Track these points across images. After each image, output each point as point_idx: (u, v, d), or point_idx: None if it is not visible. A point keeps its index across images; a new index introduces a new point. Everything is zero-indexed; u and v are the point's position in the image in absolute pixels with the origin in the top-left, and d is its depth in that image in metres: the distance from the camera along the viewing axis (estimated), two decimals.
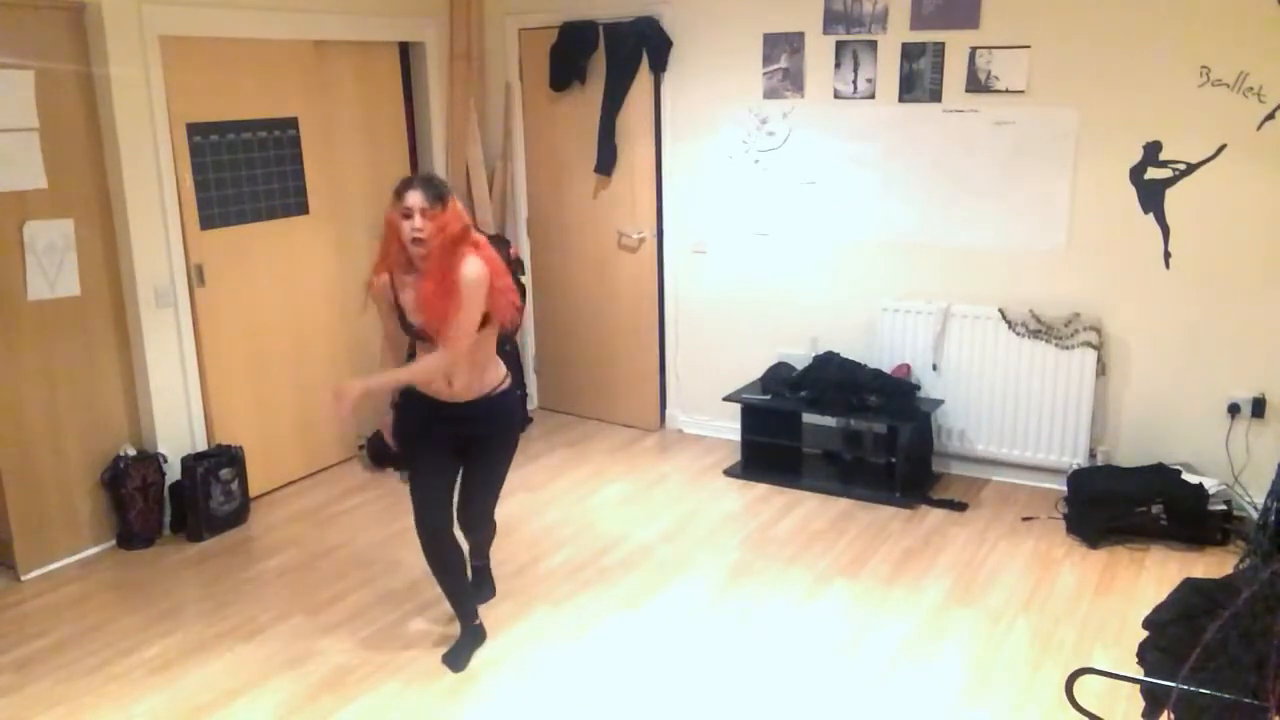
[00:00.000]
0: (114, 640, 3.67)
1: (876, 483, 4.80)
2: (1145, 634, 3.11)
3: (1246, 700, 2.13)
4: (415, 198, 3.06)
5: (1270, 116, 4.09)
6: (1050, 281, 4.62)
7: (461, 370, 3.23)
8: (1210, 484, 4.17)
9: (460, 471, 3.45)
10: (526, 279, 5.71)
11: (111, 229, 4.32)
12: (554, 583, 4.00)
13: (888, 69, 4.78)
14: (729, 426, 5.38)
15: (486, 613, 3.68)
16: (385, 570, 4.16)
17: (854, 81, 4.87)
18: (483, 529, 3.66)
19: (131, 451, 4.40)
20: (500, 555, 4.19)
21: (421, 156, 5.76)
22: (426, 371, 3.20)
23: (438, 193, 3.09)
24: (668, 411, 5.79)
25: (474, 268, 3.10)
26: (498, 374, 3.36)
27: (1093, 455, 4.62)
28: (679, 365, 5.70)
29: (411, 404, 3.36)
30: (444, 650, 3.51)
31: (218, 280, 4.65)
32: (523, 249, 5.92)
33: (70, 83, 4.14)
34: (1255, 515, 4.04)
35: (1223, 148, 4.19)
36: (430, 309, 3.11)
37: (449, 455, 3.39)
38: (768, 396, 5.04)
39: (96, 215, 4.27)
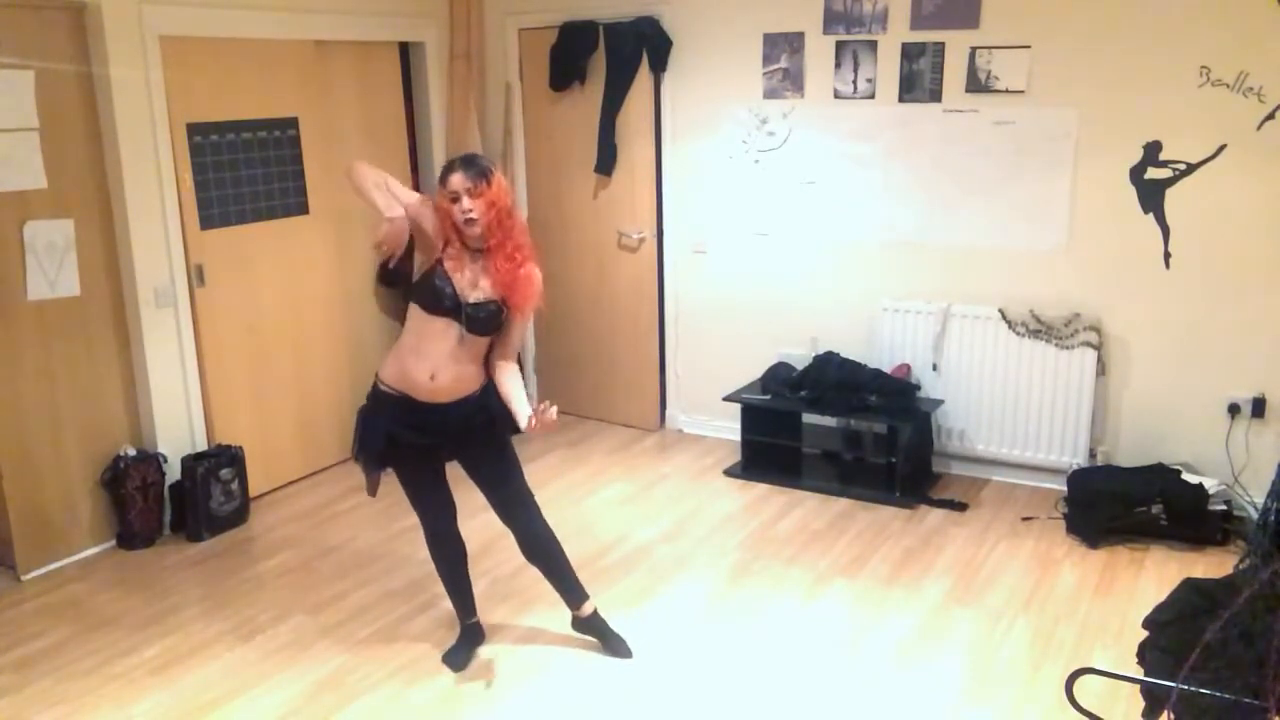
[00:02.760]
0: (114, 640, 3.67)
1: (876, 483, 4.80)
2: (1145, 634, 3.12)
3: (1246, 700, 2.13)
4: (458, 179, 3.04)
5: (1270, 116, 4.09)
6: (1050, 281, 4.61)
7: (448, 366, 3.13)
8: (1210, 484, 4.17)
9: (442, 468, 3.39)
10: None
11: (111, 229, 4.32)
12: None
13: (888, 69, 4.78)
14: (729, 426, 5.38)
15: (488, 614, 3.69)
16: (385, 570, 4.16)
17: (854, 81, 4.87)
18: (525, 511, 3.37)
19: (131, 451, 4.40)
20: (500, 556, 4.19)
21: (421, 156, 5.76)
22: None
23: (480, 170, 3.08)
24: (668, 411, 5.79)
25: (539, 279, 3.22)
26: (481, 378, 3.24)
27: (1093, 455, 4.62)
28: (679, 365, 5.70)
29: (386, 408, 3.22)
30: (444, 650, 3.51)
31: (218, 280, 4.65)
32: None
33: (70, 83, 4.14)
34: (1255, 515, 4.04)
35: (1223, 148, 4.19)
36: (512, 290, 3.14)
37: (429, 460, 3.32)
38: (768, 396, 5.04)
39: (96, 215, 4.27)
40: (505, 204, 3.12)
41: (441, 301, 3.10)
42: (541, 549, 3.43)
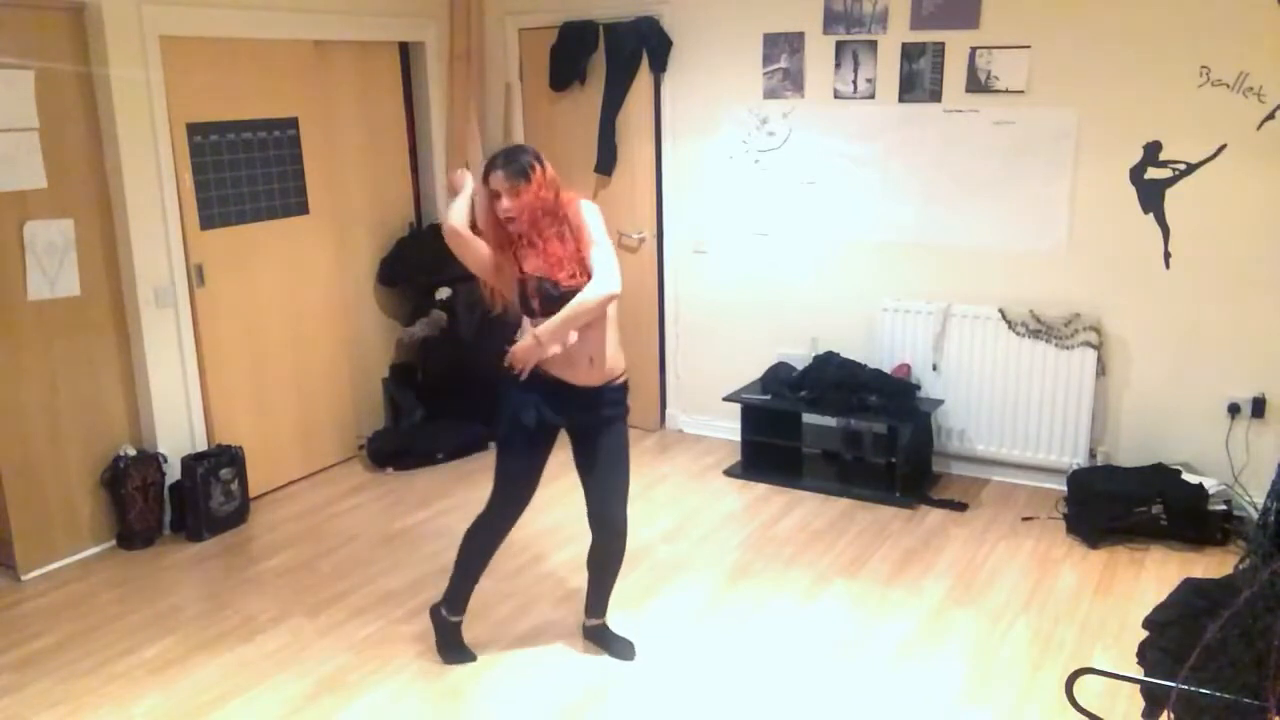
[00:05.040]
0: (114, 640, 3.67)
1: (876, 483, 4.80)
2: (1145, 634, 3.11)
3: (1246, 700, 2.13)
4: (497, 179, 3.03)
5: (1270, 116, 4.09)
6: (1050, 281, 4.61)
7: (600, 345, 3.11)
8: (1210, 484, 4.17)
9: (542, 468, 3.34)
10: None
11: (111, 229, 4.32)
12: (554, 582, 4.00)
13: (888, 69, 4.78)
14: (729, 426, 5.38)
15: (489, 613, 3.69)
16: (385, 570, 4.15)
17: (854, 81, 4.87)
18: (622, 524, 3.36)
19: (131, 451, 4.40)
20: (501, 555, 4.17)
21: (421, 156, 5.76)
22: (588, 308, 3.00)
23: (519, 168, 3.03)
24: (668, 411, 5.79)
25: (588, 204, 3.14)
26: (622, 360, 3.25)
27: (1093, 455, 4.62)
28: (679, 365, 5.70)
29: (533, 390, 3.14)
30: (443, 653, 3.51)
31: (218, 280, 4.65)
32: None
33: (70, 83, 4.13)
34: (1255, 515, 4.04)
35: (1223, 148, 4.19)
36: (562, 264, 3.06)
37: (545, 452, 3.28)
38: (768, 396, 5.04)
39: (96, 215, 4.27)
40: (546, 200, 3.07)
41: (553, 299, 3.04)
42: (606, 564, 3.44)
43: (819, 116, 4.99)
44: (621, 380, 3.26)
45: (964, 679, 3.30)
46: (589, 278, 3.06)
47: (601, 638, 3.55)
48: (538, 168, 3.07)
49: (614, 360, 3.21)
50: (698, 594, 3.91)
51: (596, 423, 3.25)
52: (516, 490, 3.34)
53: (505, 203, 3.04)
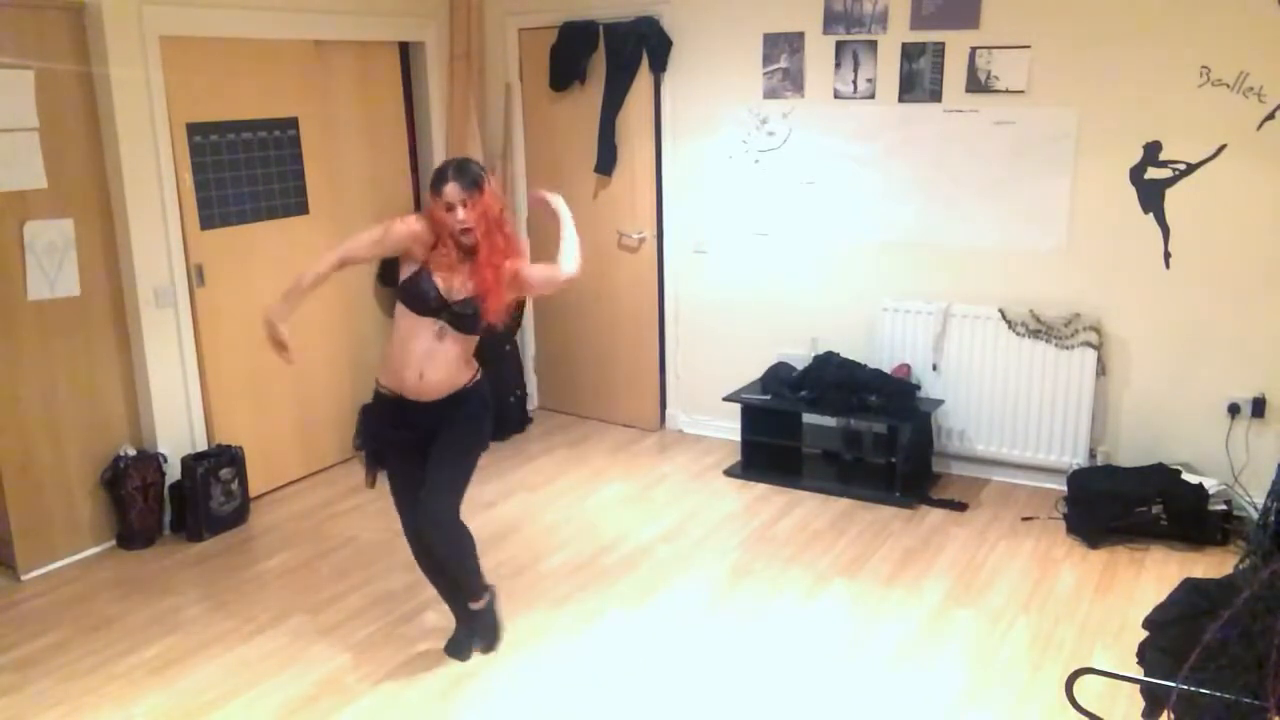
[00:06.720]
0: (114, 640, 3.67)
1: (876, 483, 4.80)
2: (1145, 634, 3.12)
3: (1246, 700, 2.13)
4: (453, 190, 3.06)
5: (1270, 116, 4.09)
6: (1050, 281, 4.61)
7: (437, 366, 3.17)
8: (1210, 484, 4.17)
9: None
10: None
11: (111, 229, 4.32)
12: (554, 582, 4.00)
13: (888, 69, 4.78)
14: (729, 426, 5.38)
15: None
16: (385, 570, 4.15)
17: (854, 81, 4.87)
18: (434, 514, 3.23)
19: (131, 451, 4.40)
20: (500, 555, 4.19)
21: (421, 156, 5.76)
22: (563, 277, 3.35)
23: (473, 178, 3.11)
24: (668, 411, 5.79)
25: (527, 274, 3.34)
26: (469, 373, 3.29)
27: (1093, 455, 4.62)
28: (679, 365, 5.70)
29: (379, 409, 3.29)
30: (443, 649, 3.51)
31: (218, 280, 4.65)
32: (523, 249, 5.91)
33: (70, 83, 4.13)
34: (1255, 515, 4.04)
35: (1223, 148, 4.19)
36: (487, 297, 3.15)
37: (417, 458, 3.29)
38: (768, 396, 5.04)
39: (96, 215, 4.27)
40: (495, 213, 3.16)
41: (427, 303, 3.15)
42: (436, 563, 3.39)
43: (819, 116, 4.99)
44: (464, 388, 3.25)
45: (964, 679, 3.30)
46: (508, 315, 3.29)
47: (471, 622, 3.48)
48: (487, 181, 3.16)
49: (454, 378, 3.22)
50: (698, 594, 3.91)
51: (438, 425, 3.24)
52: (407, 504, 3.35)
53: (461, 214, 3.08)
